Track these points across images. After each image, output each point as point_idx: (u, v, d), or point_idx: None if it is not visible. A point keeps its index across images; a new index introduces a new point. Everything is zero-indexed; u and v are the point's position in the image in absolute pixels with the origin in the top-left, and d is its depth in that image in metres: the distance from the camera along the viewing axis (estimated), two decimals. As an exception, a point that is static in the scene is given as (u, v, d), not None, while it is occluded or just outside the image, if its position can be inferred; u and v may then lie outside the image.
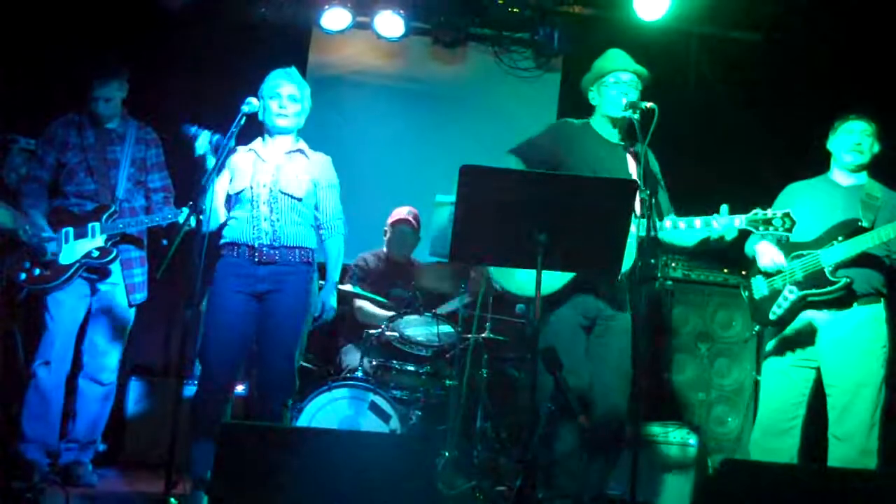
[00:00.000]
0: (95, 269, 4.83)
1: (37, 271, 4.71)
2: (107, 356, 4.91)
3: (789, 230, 4.02)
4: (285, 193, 4.42)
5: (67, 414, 4.90)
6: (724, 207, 4.07)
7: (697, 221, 4.09)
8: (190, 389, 5.13)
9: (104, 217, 4.80)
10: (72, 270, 4.73)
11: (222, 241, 4.42)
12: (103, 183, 4.87)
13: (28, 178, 4.90)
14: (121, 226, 4.81)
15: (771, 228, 4.02)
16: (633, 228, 3.79)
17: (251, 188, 4.41)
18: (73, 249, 4.76)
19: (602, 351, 4.17)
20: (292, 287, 4.41)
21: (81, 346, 4.90)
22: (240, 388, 5.15)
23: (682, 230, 4.11)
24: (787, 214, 4.02)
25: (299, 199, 4.46)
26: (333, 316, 4.67)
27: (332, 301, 4.62)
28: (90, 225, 4.78)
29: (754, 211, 4.06)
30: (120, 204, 4.86)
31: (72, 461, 4.83)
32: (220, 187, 4.42)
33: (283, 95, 4.46)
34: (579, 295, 4.14)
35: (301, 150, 4.57)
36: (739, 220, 4.04)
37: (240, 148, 4.53)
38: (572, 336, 4.14)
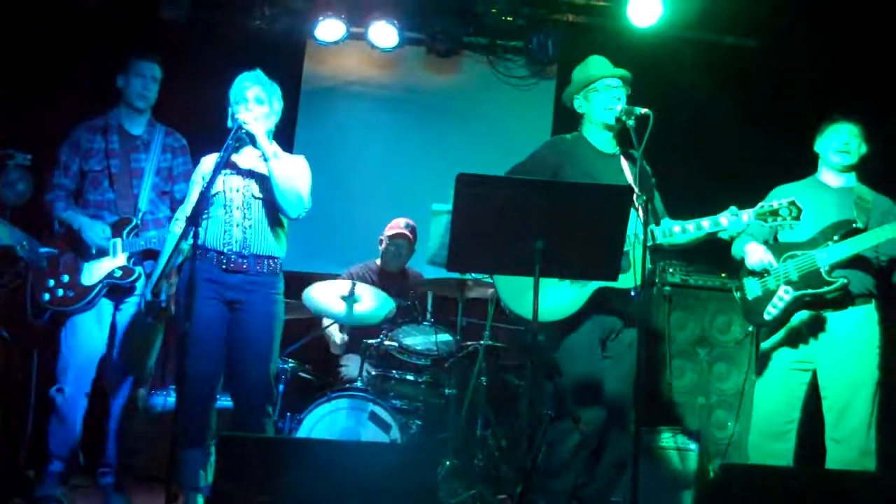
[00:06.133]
0: (117, 289, 4.64)
1: (60, 292, 4.55)
2: (134, 370, 4.71)
3: (797, 218, 4.02)
4: (257, 198, 4.40)
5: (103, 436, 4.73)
6: (733, 208, 4.08)
7: (705, 222, 4.09)
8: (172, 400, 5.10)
9: (125, 232, 4.62)
10: (94, 293, 4.56)
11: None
12: (124, 193, 4.69)
13: (52, 186, 4.69)
14: (142, 243, 4.62)
15: (779, 219, 4.02)
16: (640, 235, 3.79)
17: (224, 193, 4.37)
18: (95, 269, 4.61)
19: (613, 362, 4.17)
20: (262, 297, 4.39)
21: (111, 362, 4.69)
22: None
23: (691, 233, 4.12)
24: (792, 203, 4.02)
25: (273, 203, 4.41)
26: None
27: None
28: (111, 241, 4.61)
29: (760, 204, 4.07)
30: (143, 216, 4.69)
31: (109, 484, 4.68)
32: (193, 200, 4.39)
33: (250, 98, 4.41)
34: (596, 315, 4.14)
35: (274, 153, 4.53)
36: (748, 216, 4.05)
37: (211, 154, 4.49)
38: (591, 351, 4.14)
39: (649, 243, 3.81)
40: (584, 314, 4.11)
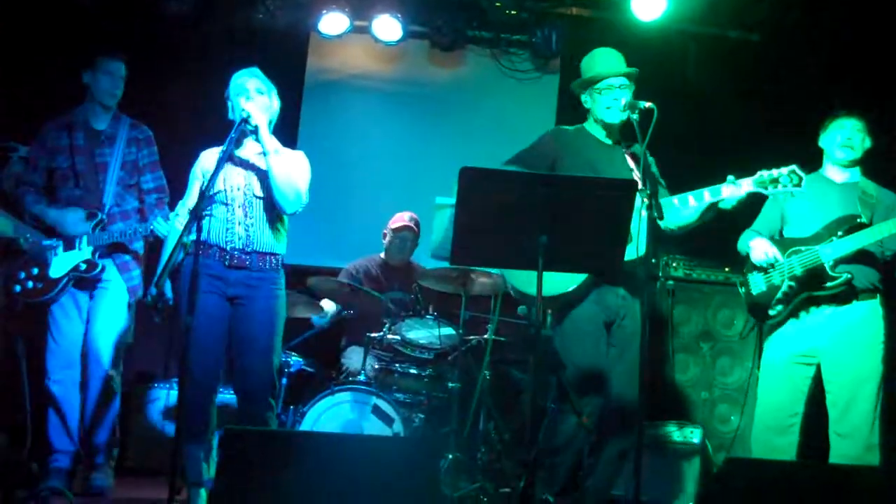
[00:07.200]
0: (82, 281, 4.78)
1: (30, 284, 4.70)
2: (104, 355, 4.83)
3: (798, 185, 4.00)
4: (259, 197, 4.39)
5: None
6: (731, 177, 4.07)
7: (706, 193, 4.09)
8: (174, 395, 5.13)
9: (91, 226, 4.75)
10: (61, 284, 4.71)
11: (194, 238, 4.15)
12: (91, 188, 4.80)
13: (22, 182, 4.85)
14: (107, 237, 4.76)
15: (780, 186, 4.01)
16: (643, 213, 3.78)
17: (225, 191, 4.36)
18: (63, 262, 4.74)
19: (617, 352, 4.17)
20: (264, 292, 4.38)
21: (84, 349, 4.83)
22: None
23: (691, 206, 4.11)
24: (793, 171, 4.01)
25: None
26: None
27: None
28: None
29: (760, 172, 4.05)
30: (109, 210, 4.80)
31: (98, 465, 4.82)
32: (193, 195, 4.40)
33: (251, 89, 4.42)
34: (599, 288, 4.14)
35: (275, 150, 4.52)
36: (748, 183, 4.04)
37: (210, 149, 4.51)
38: (594, 334, 4.14)
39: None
40: (586, 291, 4.11)
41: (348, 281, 5.82)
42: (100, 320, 4.82)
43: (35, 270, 4.72)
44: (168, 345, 5.99)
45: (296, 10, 6.78)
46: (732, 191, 4.04)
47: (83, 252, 4.74)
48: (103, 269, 4.78)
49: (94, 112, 4.91)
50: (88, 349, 4.81)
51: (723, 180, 4.12)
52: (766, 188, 4.03)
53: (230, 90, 4.47)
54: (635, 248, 3.94)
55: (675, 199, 4.13)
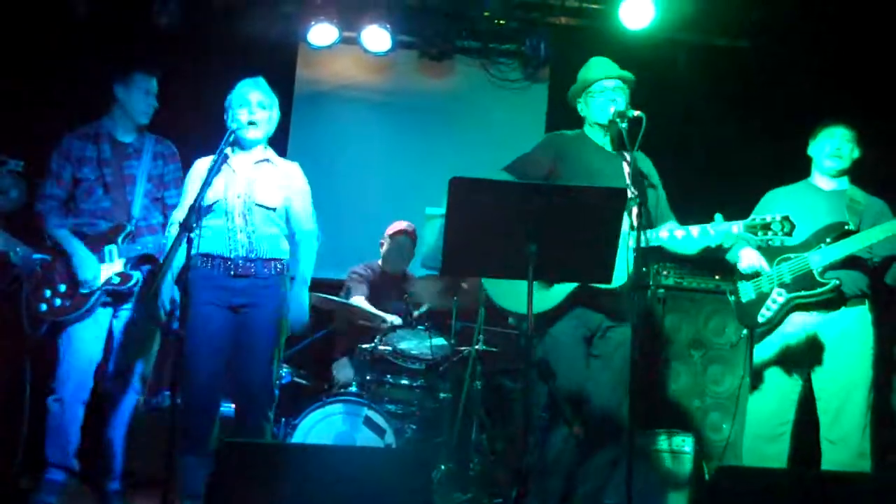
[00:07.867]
0: (116, 295, 4.62)
1: (57, 302, 4.51)
2: (132, 375, 4.69)
3: (789, 234, 3.97)
4: (259, 205, 4.39)
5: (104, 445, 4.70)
6: (719, 216, 4.06)
7: (695, 230, 4.07)
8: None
9: (120, 238, 4.61)
10: (93, 300, 4.54)
11: (193, 251, 3.99)
12: (119, 201, 4.67)
13: (43, 196, 4.66)
14: (139, 248, 4.62)
15: (770, 233, 3.97)
16: (630, 242, 3.80)
17: (225, 199, 4.35)
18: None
19: (602, 362, 4.17)
20: (268, 300, 4.38)
21: (110, 370, 4.66)
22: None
23: (679, 239, 4.11)
24: (786, 218, 3.98)
25: (273, 210, 4.42)
26: (306, 322, 4.53)
27: (305, 309, 4.49)
28: (107, 248, 4.58)
29: (752, 216, 4.05)
30: (136, 223, 4.67)
31: (115, 491, 4.68)
32: (185, 202, 4.34)
33: (253, 102, 4.41)
34: (579, 308, 4.13)
35: (269, 160, 4.51)
36: (737, 227, 4.01)
37: (205, 158, 4.48)
38: (573, 349, 4.14)
39: (643, 243, 3.79)
40: (567, 308, 4.11)
41: (361, 280, 5.79)
42: (126, 341, 4.65)
43: (62, 287, 4.53)
44: (165, 356, 5.97)
45: (285, 21, 6.78)
46: (721, 231, 4.02)
47: (114, 264, 4.59)
48: (137, 281, 4.62)
49: (122, 125, 4.78)
50: (115, 372, 4.64)
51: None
52: (755, 233, 3.99)
53: (232, 97, 4.45)
54: (625, 271, 3.93)
55: (665, 233, 4.12)
